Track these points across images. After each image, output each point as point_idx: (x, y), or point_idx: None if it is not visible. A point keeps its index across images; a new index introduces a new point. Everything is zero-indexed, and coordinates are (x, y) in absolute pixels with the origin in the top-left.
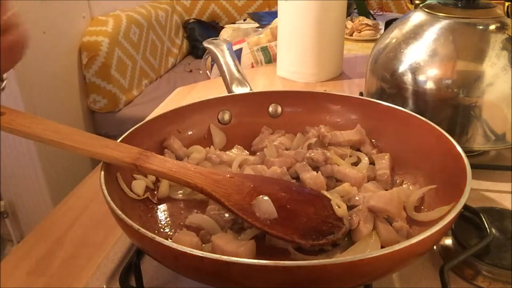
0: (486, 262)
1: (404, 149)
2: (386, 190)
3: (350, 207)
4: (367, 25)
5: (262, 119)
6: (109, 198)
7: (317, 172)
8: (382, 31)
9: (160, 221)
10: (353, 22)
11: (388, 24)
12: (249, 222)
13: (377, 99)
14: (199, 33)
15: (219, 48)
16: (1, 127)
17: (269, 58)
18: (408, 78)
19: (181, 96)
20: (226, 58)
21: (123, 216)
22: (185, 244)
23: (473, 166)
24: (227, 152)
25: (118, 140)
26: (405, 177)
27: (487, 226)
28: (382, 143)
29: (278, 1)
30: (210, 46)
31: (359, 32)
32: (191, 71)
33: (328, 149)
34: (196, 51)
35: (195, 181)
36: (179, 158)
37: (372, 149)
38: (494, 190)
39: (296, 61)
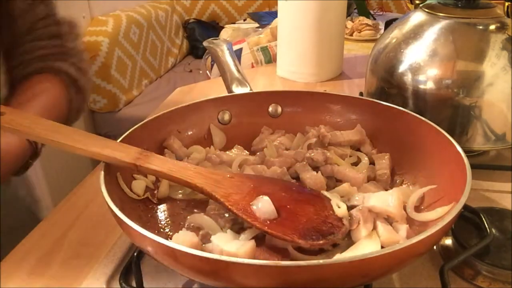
0: (486, 262)
1: (404, 149)
2: (386, 190)
3: (350, 207)
4: (367, 25)
5: (262, 119)
6: (109, 198)
7: (317, 172)
8: (382, 31)
9: (160, 221)
10: (353, 22)
11: (388, 24)
12: (249, 222)
13: (377, 99)
14: (199, 33)
15: (219, 48)
16: (1, 127)
17: (269, 58)
18: (408, 78)
19: (181, 96)
20: (226, 58)
21: (123, 216)
22: (185, 244)
23: (473, 166)
24: (227, 152)
25: (118, 140)
26: (405, 177)
27: (487, 226)
28: (382, 143)
29: (278, 1)
30: (210, 46)
31: (359, 32)
32: (191, 71)
33: (328, 149)
34: (196, 51)
35: (195, 181)
36: (179, 158)
37: (372, 149)
38: (494, 190)
39: (296, 61)
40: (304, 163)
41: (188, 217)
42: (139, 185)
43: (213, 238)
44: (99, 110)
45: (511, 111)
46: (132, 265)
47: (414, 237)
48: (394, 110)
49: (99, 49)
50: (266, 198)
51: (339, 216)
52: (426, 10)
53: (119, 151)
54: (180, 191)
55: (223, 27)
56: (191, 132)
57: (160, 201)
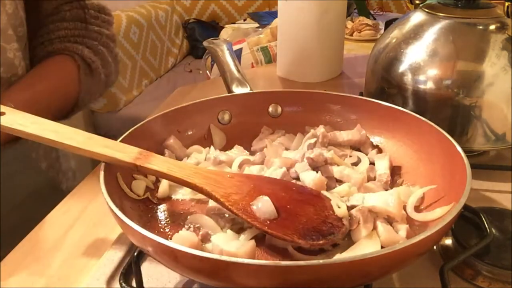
0: (486, 262)
1: (404, 149)
2: (386, 190)
3: (350, 207)
4: (367, 25)
5: (262, 119)
6: (109, 198)
7: (317, 172)
8: (382, 31)
9: (160, 221)
10: (353, 22)
11: (388, 24)
12: (249, 222)
13: (377, 99)
14: (199, 33)
15: (219, 48)
16: (1, 127)
17: (269, 58)
18: (408, 78)
19: (181, 96)
20: (226, 58)
21: (123, 216)
22: (185, 244)
23: (473, 166)
24: (227, 152)
25: (118, 140)
26: (405, 177)
27: (487, 226)
28: (382, 143)
29: (278, 1)
30: (210, 46)
31: (359, 32)
32: (191, 71)
33: (328, 149)
34: (196, 51)
35: (195, 181)
36: (179, 158)
37: (372, 149)
38: (494, 190)
39: (296, 61)
40: (304, 163)
41: (188, 217)
42: (139, 185)
43: (213, 238)
44: (99, 110)
45: (511, 111)
46: (132, 265)
47: (414, 237)
48: (394, 110)
49: None
50: (266, 198)
51: (339, 216)
52: (426, 10)
53: (119, 151)
54: (180, 191)
55: (223, 27)
56: (191, 132)
57: (160, 201)
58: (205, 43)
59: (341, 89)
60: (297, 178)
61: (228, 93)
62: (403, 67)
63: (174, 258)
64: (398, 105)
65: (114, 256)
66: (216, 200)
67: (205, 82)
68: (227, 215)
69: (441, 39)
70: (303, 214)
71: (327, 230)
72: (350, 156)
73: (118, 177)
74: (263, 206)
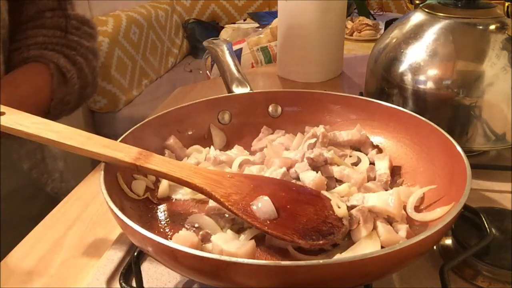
0: (486, 262)
1: (404, 149)
2: (386, 190)
3: (350, 207)
4: (367, 25)
5: (262, 119)
6: (109, 198)
7: (317, 172)
8: (382, 31)
9: (160, 221)
10: (353, 22)
11: (388, 24)
12: (249, 222)
13: (377, 99)
14: (199, 33)
15: (219, 48)
16: (1, 127)
17: (269, 58)
18: (408, 78)
19: (181, 96)
20: (226, 58)
21: (123, 216)
22: (185, 244)
23: (473, 166)
24: (227, 152)
25: (118, 140)
26: (405, 177)
27: (487, 226)
28: (382, 143)
29: (278, 1)
30: (210, 46)
31: (359, 32)
32: (191, 71)
33: (328, 149)
34: (196, 51)
35: (195, 181)
36: (179, 158)
37: (372, 149)
38: (494, 190)
39: (296, 61)
40: (304, 163)
41: (188, 217)
42: (139, 185)
43: (213, 238)
44: (99, 110)
45: (511, 111)
46: (132, 265)
47: (414, 237)
48: (394, 110)
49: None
50: (266, 198)
51: (339, 216)
52: (426, 10)
53: (119, 151)
54: (180, 191)
55: (223, 27)
56: (191, 132)
57: (160, 201)
58: (205, 43)
59: (341, 89)
60: (297, 178)
61: (228, 93)
62: (403, 67)
63: (174, 258)
64: (398, 105)
65: (114, 256)
66: (216, 200)
67: (205, 82)
68: (227, 215)
69: (441, 39)
70: (303, 214)
71: (327, 230)
72: (350, 156)
73: (118, 177)
74: (263, 206)
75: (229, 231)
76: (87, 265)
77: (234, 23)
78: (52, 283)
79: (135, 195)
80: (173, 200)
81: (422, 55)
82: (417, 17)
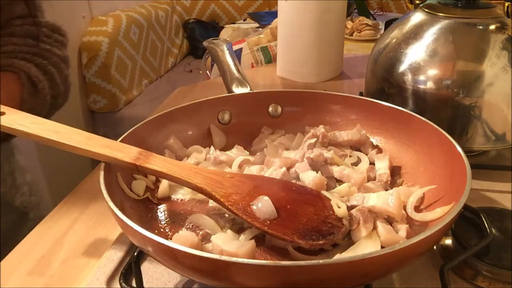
0: (486, 262)
1: (404, 149)
2: (386, 190)
3: (350, 207)
4: (367, 25)
5: (262, 119)
6: (109, 198)
7: (317, 172)
8: (382, 31)
9: (160, 221)
10: (353, 22)
11: (388, 24)
12: (249, 222)
13: (377, 99)
14: (199, 33)
15: (219, 48)
16: (1, 127)
17: (269, 58)
18: (408, 78)
19: (181, 96)
20: (226, 58)
21: (123, 216)
22: (185, 244)
23: (473, 166)
24: (227, 152)
25: (118, 140)
26: (405, 177)
27: (487, 226)
28: (382, 143)
29: (278, 1)
30: (210, 46)
31: (359, 32)
32: (191, 71)
33: (328, 149)
34: (196, 51)
35: (195, 181)
36: (179, 158)
37: (372, 149)
38: (494, 190)
39: (296, 61)
40: (304, 163)
41: (188, 217)
42: (139, 185)
43: (213, 238)
44: (99, 110)
45: (511, 111)
46: (132, 265)
47: (414, 237)
48: (394, 110)
49: (99, 49)
50: (266, 198)
51: (339, 216)
52: (426, 10)
53: (119, 151)
54: (180, 191)
55: (223, 27)
56: (191, 132)
57: (160, 201)
58: (205, 43)
59: (341, 89)
60: (297, 178)
61: (228, 93)
62: (403, 67)
63: (174, 258)
64: (398, 105)
65: (114, 256)
66: (216, 200)
67: (205, 82)
68: (227, 215)
69: (441, 39)
70: (303, 214)
71: (327, 230)
72: (350, 156)
73: (118, 177)
74: (263, 206)
75: (229, 231)
76: (87, 265)
77: (234, 23)
78: (52, 283)
79: (135, 195)
80: (173, 200)
81: (422, 55)
82: (417, 17)
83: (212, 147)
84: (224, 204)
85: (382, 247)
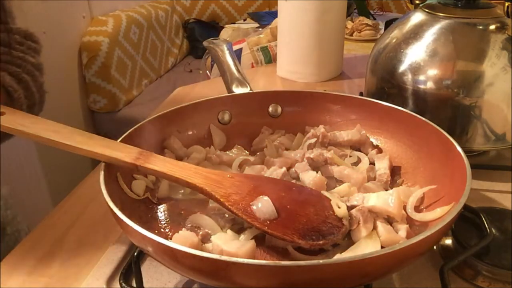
0: (486, 262)
1: (404, 149)
2: (386, 190)
3: (350, 207)
4: (367, 25)
5: (262, 119)
6: (109, 198)
7: (317, 172)
8: (382, 31)
9: (160, 221)
10: (353, 22)
11: (388, 24)
12: (249, 222)
13: (377, 99)
14: (199, 33)
15: (219, 48)
16: (1, 127)
17: (269, 58)
18: (408, 78)
19: (181, 96)
20: (226, 58)
21: (123, 216)
22: (185, 244)
23: (473, 166)
24: (227, 152)
25: (118, 140)
26: (405, 177)
27: (487, 226)
28: (382, 143)
29: (278, 1)
30: (210, 46)
31: (359, 32)
32: (191, 71)
33: (328, 149)
34: (196, 51)
35: (195, 181)
36: (179, 158)
37: (372, 149)
38: (494, 190)
39: (296, 61)
40: (304, 163)
41: (188, 217)
42: (139, 185)
43: (213, 238)
44: (99, 110)
45: (511, 111)
46: (132, 265)
47: (414, 237)
48: (394, 110)
49: (99, 49)
50: (266, 198)
51: (339, 216)
52: (426, 10)
53: (119, 151)
54: (180, 191)
55: (223, 27)
56: (191, 132)
57: (160, 201)
58: (205, 43)
59: (341, 89)
60: (297, 178)
61: (228, 93)
62: (403, 67)
63: (174, 258)
64: (398, 105)
65: (114, 256)
66: (216, 200)
67: (205, 82)
68: (227, 215)
69: (441, 39)
70: (303, 214)
71: (327, 230)
72: (350, 156)
73: (118, 177)
74: (263, 206)
75: (229, 231)
76: (87, 265)
77: (234, 23)
78: (52, 283)
79: (135, 195)
80: (173, 200)
81: (422, 55)
82: (417, 17)
83: (212, 147)
84: (224, 204)
85: (382, 247)
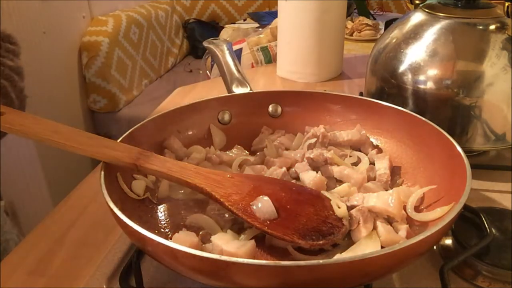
0: (486, 262)
1: (404, 149)
2: (386, 190)
3: (350, 207)
4: (367, 25)
5: (262, 119)
6: (109, 198)
7: (317, 172)
8: (382, 31)
9: (160, 221)
10: (353, 22)
11: (388, 24)
12: (249, 222)
13: (377, 99)
14: (199, 33)
15: (219, 48)
16: (1, 127)
17: (269, 58)
18: (408, 78)
19: (181, 96)
20: (226, 58)
21: (123, 216)
22: (185, 244)
23: (473, 166)
24: (227, 152)
25: (118, 140)
26: (405, 177)
27: (487, 226)
28: (382, 143)
29: (278, 1)
30: (210, 46)
31: (359, 32)
32: (191, 71)
33: (328, 149)
34: (196, 51)
35: (195, 181)
36: (179, 158)
37: (372, 149)
38: (494, 190)
39: (296, 61)
40: (304, 163)
41: (188, 217)
42: (139, 185)
43: (213, 238)
44: (99, 110)
45: (511, 111)
46: (132, 265)
47: (414, 237)
48: (394, 110)
49: (99, 49)
50: (266, 198)
51: (339, 216)
52: (426, 10)
53: (119, 151)
54: (180, 191)
55: (223, 27)
56: (191, 132)
57: (160, 201)
58: (205, 43)
59: (341, 89)
60: (297, 178)
61: (228, 93)
62: (403, 67)
63: (174, 258)
64: (398, 105)
65: (114, 256)
66: (216, 200)
67: (205, 82)
68: (227, 215)
69: (441, 39)
70: (303, 214)
71: (327, 230)
72: (350, 156)
73: (118, 177)
74: (263, 206)
75: (229, 231)
76: (87, 265)
77: (234, 23)
78: (52, 283)
79: (135, 195)
80: (173, 200)
81: (422, 55)
82: (417, 17)
83: (212, 147)
84: (224, 204)
85: (382, 247)
